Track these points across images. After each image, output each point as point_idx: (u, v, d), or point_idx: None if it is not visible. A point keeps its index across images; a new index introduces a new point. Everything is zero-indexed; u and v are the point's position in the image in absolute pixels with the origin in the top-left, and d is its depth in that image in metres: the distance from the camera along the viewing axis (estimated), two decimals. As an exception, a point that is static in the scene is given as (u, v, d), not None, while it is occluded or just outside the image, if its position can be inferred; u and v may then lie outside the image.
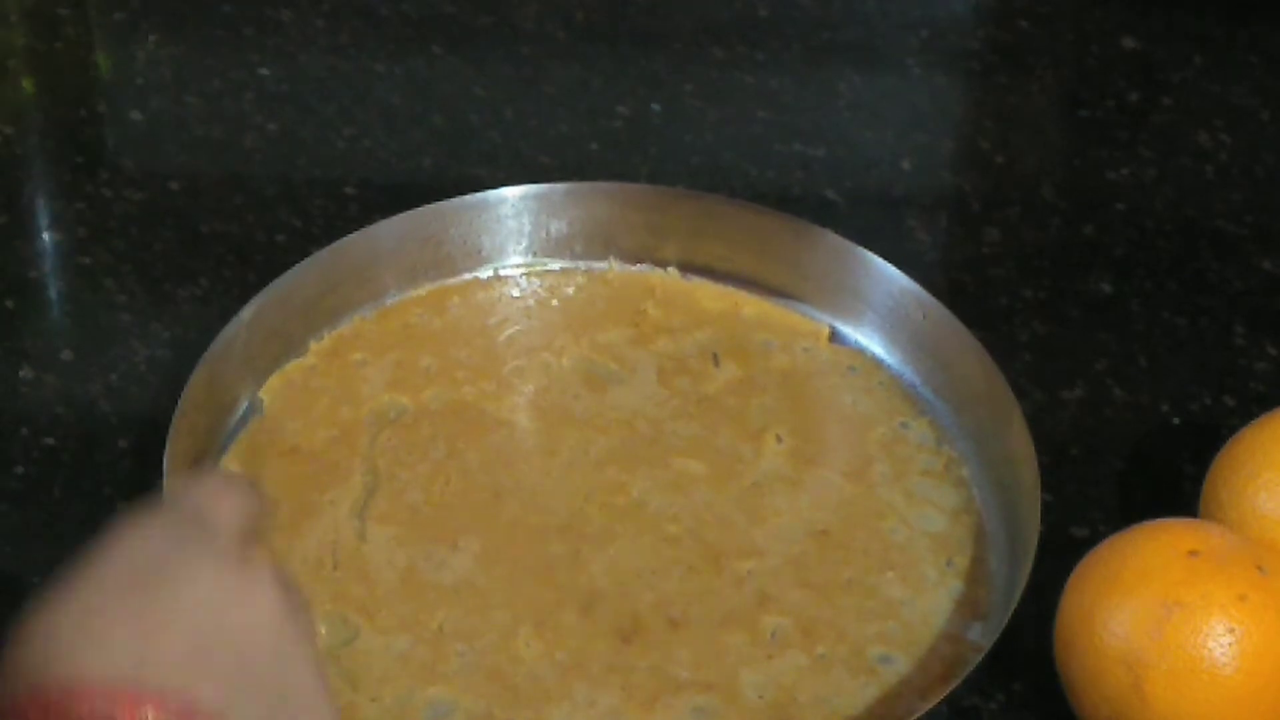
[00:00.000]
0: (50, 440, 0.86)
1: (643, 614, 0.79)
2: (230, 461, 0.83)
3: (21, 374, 0.89)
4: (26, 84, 1.06)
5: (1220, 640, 0.72)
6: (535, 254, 0.93)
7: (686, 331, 0.91)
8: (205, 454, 0.83)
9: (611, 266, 0.93)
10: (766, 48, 1.11)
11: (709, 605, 0.80)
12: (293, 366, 0.88)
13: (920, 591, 0.81)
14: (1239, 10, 1.13)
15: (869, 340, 0.90)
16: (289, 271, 0.86)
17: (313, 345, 0.89)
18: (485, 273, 0.93)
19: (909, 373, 0.89)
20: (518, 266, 0.93)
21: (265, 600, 0.60)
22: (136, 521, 0.61)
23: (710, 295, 0.92)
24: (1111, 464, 0.89)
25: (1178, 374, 0.93)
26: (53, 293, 0.94)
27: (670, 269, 0.93)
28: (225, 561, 0.60)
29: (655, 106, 1.07)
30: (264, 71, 1.06)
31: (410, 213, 0.91)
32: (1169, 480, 0.88)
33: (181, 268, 0.95)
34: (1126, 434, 0.90)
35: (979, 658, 0.76)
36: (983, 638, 0.79)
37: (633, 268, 0.93)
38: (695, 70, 1.09)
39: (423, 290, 0.91)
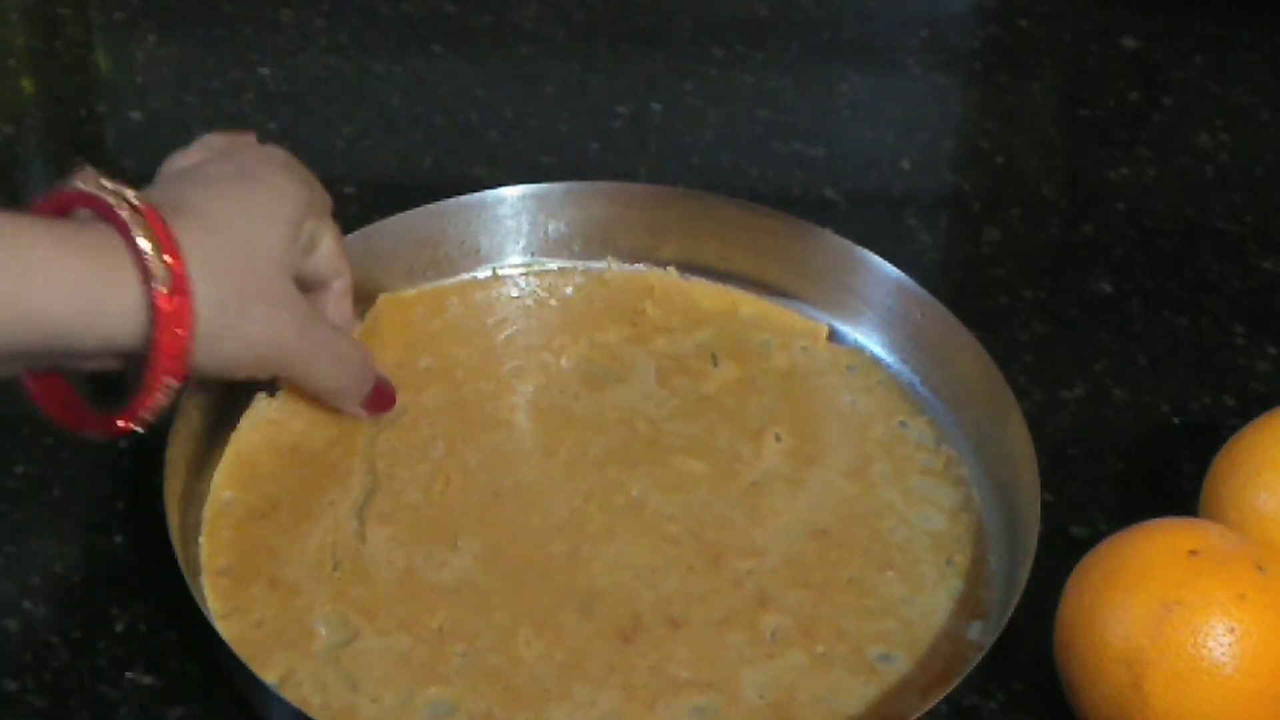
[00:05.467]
0: (50, 440, 0.86)
1: (643, 614, 0.79)
2: (230, 462, 0.83)
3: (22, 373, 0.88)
4: (26, 84, 1.06)
5: (1220, 640, 0.72)
6: (534, 254, 0.93)
7: (685, 331, 0.91)
8: (205, 454, 0.83)
9: (610, 266, 0.93)
10: (766, 48, 1.11)
11: (709, 605, 0.80)
12: (292, 366, 0.88)
13: (920, 590, 0.81)
14: (1239, 10, 1.13)
15: (868, 339, 0.90)
16: (288, 271, 0.86)
17: (312, 345, 0.88)
18: (484, 273, 0.93)
19: (908, 372, 0.89)
20: (516, 266, 0.93)
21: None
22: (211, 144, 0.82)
23: (709, 295, 0.92)
24: (1111, 464, 0.89)
25: (1178, 374, 0.93)
26: (52, 293, 0.93)
27: (669, 268, 0.93)
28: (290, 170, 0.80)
29: (655, 106, 1.07)
30: (264, 71, 1.06)
31: (409, 213, 0.91)
32: (1169, 480, 0.88)
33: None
34: (1126, 434, 0.90)
35: (979, 657, 0.76)
36: (983, 637, 0.79)
37: (631, 267, 0.93)
38: (695, 70, 1.09)
39: (422, 290, 0.91)
